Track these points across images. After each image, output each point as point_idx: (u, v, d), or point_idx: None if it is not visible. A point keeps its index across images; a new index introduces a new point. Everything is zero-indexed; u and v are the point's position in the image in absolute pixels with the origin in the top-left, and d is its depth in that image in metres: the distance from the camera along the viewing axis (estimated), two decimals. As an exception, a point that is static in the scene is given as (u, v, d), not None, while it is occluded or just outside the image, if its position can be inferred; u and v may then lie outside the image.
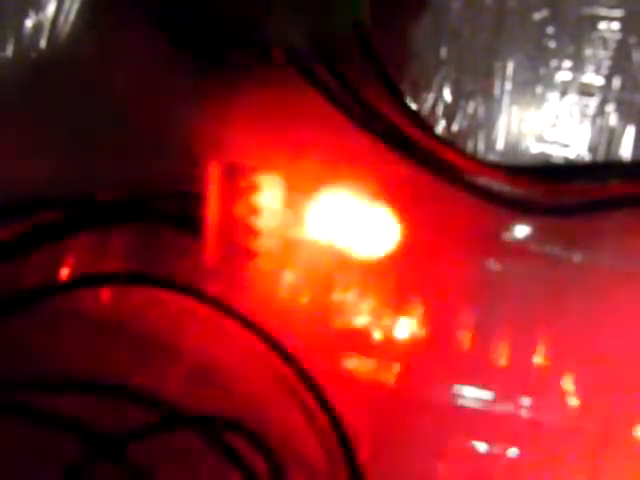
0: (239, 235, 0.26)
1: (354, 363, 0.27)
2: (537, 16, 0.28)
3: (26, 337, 0.27)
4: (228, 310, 0.27)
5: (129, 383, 0.27)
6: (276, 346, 0.27)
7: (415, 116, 0.27)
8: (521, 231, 0.27)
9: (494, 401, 0.27)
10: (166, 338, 0.27)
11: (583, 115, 0.28)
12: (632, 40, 0.28)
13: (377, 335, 0.27)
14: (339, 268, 0.27)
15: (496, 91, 0.28)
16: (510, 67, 0.28)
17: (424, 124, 0.27)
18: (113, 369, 0.27)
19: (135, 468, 0.26)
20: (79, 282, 0.28)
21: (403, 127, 0.26)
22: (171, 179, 0.27)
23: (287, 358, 0.26)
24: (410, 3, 0.29)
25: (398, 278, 0.27)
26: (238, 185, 0.26)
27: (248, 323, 0.27)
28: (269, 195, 0.26)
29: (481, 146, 0.28)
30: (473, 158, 0.27)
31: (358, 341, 0.27)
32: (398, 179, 0.27)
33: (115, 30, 0.29)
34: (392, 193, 0.27)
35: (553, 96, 0.28)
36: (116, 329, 0.27)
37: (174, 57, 0.29)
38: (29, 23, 0.29)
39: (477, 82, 0.28)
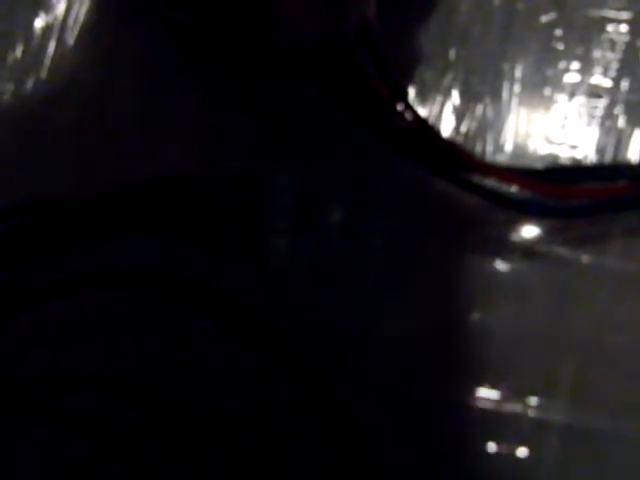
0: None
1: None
2: (545, 18, 0.28)
3: (34, 335, 0.27)
4: (236, 306, 0.27)
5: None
6: (286, 343, 0.27)
7: (422, 118, 0.27)
8: (529, 232, 0.27)
9: (501, 401, 0.27)
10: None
11: (591, 117, 0.28)
12: (640, 42, 0.28)
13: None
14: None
15: (504, 93, 0.28)
16: (518, 69, 0.28)
17: (432, 126, 0.27)
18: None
19: (145, 466, 0.26)
20: (85, 281, 0.28)
21: (410, 129, 0.26)
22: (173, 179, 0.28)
23: (296, 353, 0.27)
24: (418, 4, 0.29)
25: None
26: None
27: (258, 319, 0.27)
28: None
29: (490, 148, 0.28)
30: (481, 160, 0.27)
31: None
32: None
33: (123, 31, 0.29)
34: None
35: (561, 98, 0.28)
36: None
37: (181, 58, 0.29)
38: (38, 23, 0.29)
39: (485, 84, 0.28)
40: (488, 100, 0.28)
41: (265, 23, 0.26)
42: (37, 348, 0.27)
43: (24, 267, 0.28)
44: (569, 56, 0.28)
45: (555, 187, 0.26)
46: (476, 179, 0.26)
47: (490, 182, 0.26)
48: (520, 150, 0.28)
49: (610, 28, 0.28)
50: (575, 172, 0.27)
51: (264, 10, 0.25)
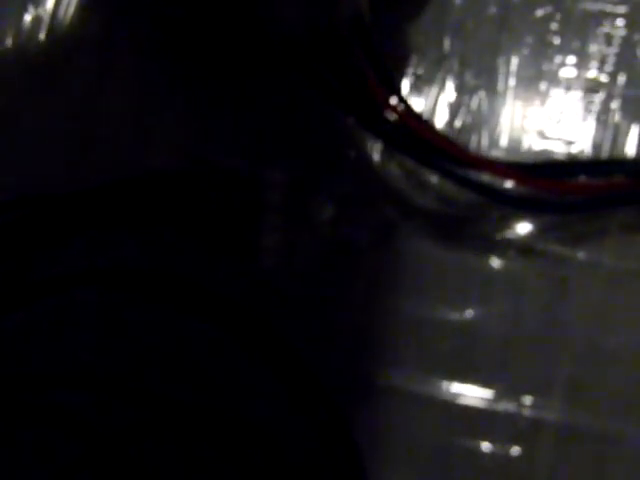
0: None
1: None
2: (541, 12, 0.28)
3: (26, 335, 0.27)
4: (230, 304, 0.27)
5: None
6: (276, 341, 0.26)
7: (416, 112, 0.27)
8: (524, 228, 0.27)
9: (495, 399, 0.26)
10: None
11: (587, 111, 0.28)
12: (637, 37, 0.28)
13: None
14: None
15: (499, 87, 0.28)
16: (514, 63, 0.28)
17: (426, 120, 0.27)
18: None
19: (138, 468, 0.26)
20: (77, 279, 0.27)
21: (404, 123, 0.26)
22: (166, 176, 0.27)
23: (286, 353, 0.26)
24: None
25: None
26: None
27: (251, 317, 0.27)
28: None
29: (484, 142, 0.28)
30: (476, 154, 0.27)
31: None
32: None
33: (114, 26, 0.29)
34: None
35: (557, 92, 0.28)
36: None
37: (172, 54, 0.29)
38: (28, 17, 0.29)
39: (480, 77, 0.28)
40: (483, 94, 0.28)
41: (257, 16, 0.25)
42: (29, 347, 0.27)
43: (16, 265, 0.27)
44: (565, 50, 0.28)
45: (551, 182, 0.26)
46: (471, 174, 0.26)
47: (485, 177, 0.26)
48: (515, 145, 0.28)
49: (606, 22, 0.28)
50: (571, 167, 0.27)
51: (256, 2, 0.25)
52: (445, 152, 0.25)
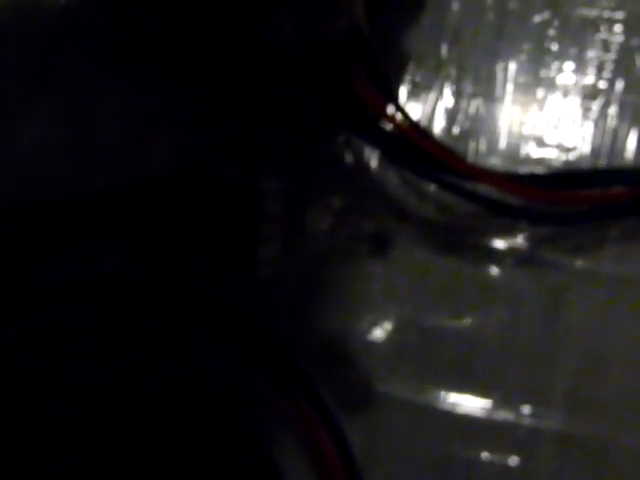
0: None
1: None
2: (538, 18, 0.28)
3: (25, 344, 0.27)
4: (228, 313, 0.27)
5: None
6: (270, 349, 0.26)
7: (414, 122, 0.26)
8: (522, 237, 0.27)
9: (494, 409, 0.26)
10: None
11: (585, 118, 0.28)
12: (635, 42, 0.28)
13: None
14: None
15: (497, 93, 0.28)
16: (511, 69, 0.28)
17: (424, 130, 0.27)
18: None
19: (135, 477, 0.26)
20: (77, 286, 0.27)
21: (401, 132, 0.26)
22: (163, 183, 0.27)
23: (280, 359, 0.26)
24: (409, 3, 0.28)
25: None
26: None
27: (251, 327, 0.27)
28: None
29: (482, 148, 0.27)
30: (474, 165, 0.27)
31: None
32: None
33: (113, 30, 0.29)
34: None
35: (555, 98, 0.28)
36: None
37: (172, 61, 0.28)
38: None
39: (478, 84, 0.28)
40: (481, 100, 0.28)
41: (256, 26, 0.25)
42: (24, 357, 0.27)
43: (15, 273, 0.27)
44: (563, 56, 0.28)
45: (549, 194, 0.26)
46: (469, 185, 0.26)
47: (483, 188, 0.26)
48: (513, 151, 0.27)
49: (604, 28, 0.28)
50: (569, 178, 0.27)
51: (252, 13, 0.25)
52: (443, 163, 0.25)
